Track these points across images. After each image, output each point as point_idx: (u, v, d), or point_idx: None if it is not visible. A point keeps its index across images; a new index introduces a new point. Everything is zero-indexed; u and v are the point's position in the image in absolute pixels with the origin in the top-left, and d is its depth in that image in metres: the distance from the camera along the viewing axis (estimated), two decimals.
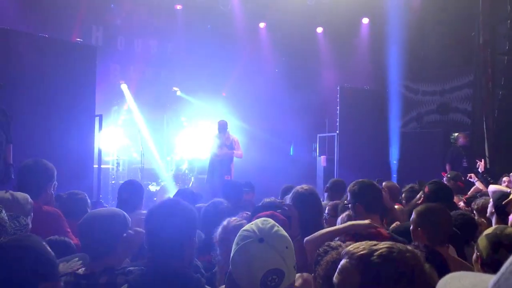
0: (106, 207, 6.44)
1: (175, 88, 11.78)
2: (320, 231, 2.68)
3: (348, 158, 10.21)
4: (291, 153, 12.68)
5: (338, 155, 10.23)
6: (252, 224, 1.70)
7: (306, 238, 2.67)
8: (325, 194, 5.22)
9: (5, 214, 2.36)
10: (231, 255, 1.66)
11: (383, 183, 4.93)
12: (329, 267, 1.93)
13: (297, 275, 2.25)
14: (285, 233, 1.70)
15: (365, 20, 12.17)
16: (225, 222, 2.62)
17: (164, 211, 1.97)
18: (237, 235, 1.68)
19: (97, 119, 7.50)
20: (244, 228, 1.71)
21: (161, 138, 11.32)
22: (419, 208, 3.03)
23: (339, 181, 5.36)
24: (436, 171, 8.83)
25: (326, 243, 2.24)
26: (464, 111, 11.08)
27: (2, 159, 5.17)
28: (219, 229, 2.58)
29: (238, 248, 1.64)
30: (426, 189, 3.86)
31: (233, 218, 2.75)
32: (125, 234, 2.36)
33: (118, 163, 10.22)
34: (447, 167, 8.95)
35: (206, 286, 1.97)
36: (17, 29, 7.10)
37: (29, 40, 6.74)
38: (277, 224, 1.71)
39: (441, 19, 10.71)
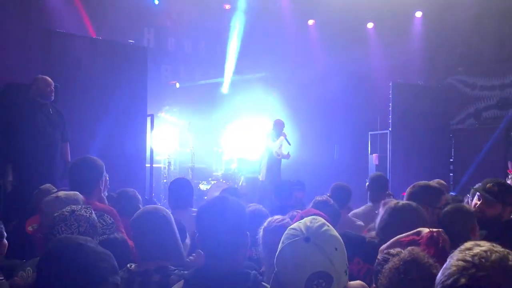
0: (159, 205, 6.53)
1: (224, 91, 11.92)
2: (393, 239, 2.49)
3: (401, 156, 9.89)
4: (335, 157, 12.37)
5: (391, 153, 9.94)
6: (300, 222, 1.60)
7: (381, 248, 2.53)
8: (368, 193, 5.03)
9: (94, 215, 2.41)
10: (276, 254, 1.58)
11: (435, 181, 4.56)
12: (392, 275, 1.82)
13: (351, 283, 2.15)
14: (336, 234, 1.59)
15: (418, 14, 11.75)
16: (265, 223, 2.55)
17: (214, 209, 1.92)
18: (284, 234, 1.59)
19: (148, 119, 7.63)
20: (291, 226, 1.62)
21: (210, 137, 11.42)
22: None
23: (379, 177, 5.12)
24: (497, 169, 8.40)
25: (385, 251, 2.11)
26: None
27: (59, 157, 5.40)
28: (261, 229, 2.51)
29: (283, 247, 1.55)
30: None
31: (276, 216, 2.69)
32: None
33: (169, 163, 10.38)
34: (510, 165, 8.48)
35: (263, 283, 1.89)
36: (72, 32, 7.36)
37: (84, 42, 6.98)
38: (327, 223, 1.60)
39: (498, 10, 10.16)
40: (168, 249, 2.39)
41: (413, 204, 2.90)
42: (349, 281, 1.97)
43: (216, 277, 1.78)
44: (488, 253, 1.18)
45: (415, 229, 2.61)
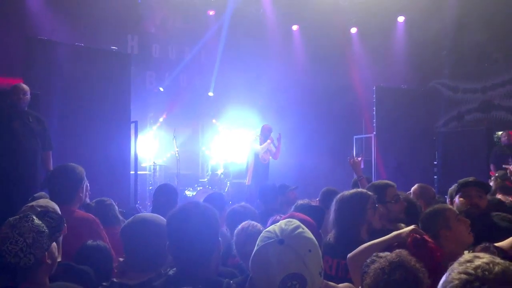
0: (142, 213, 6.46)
1: (210, 94, 11.93)
2: (363, 245, 2.52)
3: (386, 159, 9.97)
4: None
5: (375, 157, 10.01)
6: (275, 225, 1.60)
7: (348, 255, 2.53)
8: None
9: (38, 220, 2.31)
10: (251, 257, 1.58)
11: (413, 187, 4.43)
12: (377, 275, 1.83)
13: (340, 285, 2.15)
14: (311, 236, 1.59)
15: (401, 18, 11.90)
16: (239, 227, 2.56)
17: (184, 215, 1.89)
18: (259, 236, 1.60)
19: (132, 126, 7.59)
20: (266, 229, 1.62)
21: (196, 143, 11.40)
22: None
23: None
24: (479, 171, 8.49)
25: (374, 254, 2.12)
26: (508, 108, 10.63)
27: (40, 166, 5.32)
28: (234, 235, 2.52)
29: (257, 250, 1.55)
30: None
31: (246, 222, 2.71)
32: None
33: (155, 169, 10.33)
34: (492, 167, 8.59)
35: None
36: (55, 39, 7.30)
37: (66, 49, 6.91)
38: (302, 225, 1.60)
39: (479, 14, 10.32)
40: (164, 260, 2.25)
41: (350, 192, 3.07)
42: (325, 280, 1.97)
43: (187, 286, 1.76)
44: (491, 265, 1.16)
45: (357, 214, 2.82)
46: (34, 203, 2.80)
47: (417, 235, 2.36)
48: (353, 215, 2.94)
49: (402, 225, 3.28)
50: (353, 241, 2.74)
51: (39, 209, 2.48)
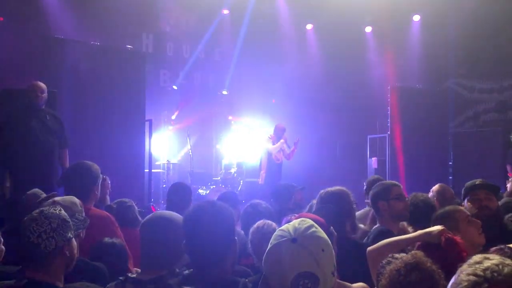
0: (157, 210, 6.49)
1: (224, 92, 11.96)
2: (384, 240, 2.49)
3: (400, 159, 9.89)
4: (337, 153, 12.36)
5: (389, 157, 9.94)
6: (289, 224, 1.61)
7: (369, 248, 2.51)
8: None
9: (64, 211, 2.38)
10: (264, 255, 1.58)
11: (434, 186, 4.42)
12: (393, 276, 1.82)
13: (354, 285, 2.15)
14: (324, 235, 1.58)
15: (416, 17, 11.79)
16: (254, 226, 2.56)
17: (200, 214, 1.90)
18: (273, 235, 1.60)
19: (147, 124, 7.64)
20: (280, 228, 1.63)
21: (210, 141, 11.44)
22: None
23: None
24: (496, 173, 8.39)
25: (389, 255, 2.10)
26: None
27: (57, 163, 5.40)
28: (249, 234, 2.53)
29: (270, 248, 1.55)
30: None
31: (262, 221, 2.71)
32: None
33: (168, 168, 10.38)
34: (508, 168, 8.49)
35: None
36: (71, 37, 7.39)
37: (82, 48, 7.01)
38: (316, 225, 1.60)
39: (495, 12, 10.18)
40: (178, 258, 2.26)
41: (334, 188, 3.09)
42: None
43: (203, 285, 1.76)
44: (500, 267, 1.14)
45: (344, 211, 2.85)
46: (58, 199, 2.84)
47: (449, 235, 2.36)
48: (340, 211, 2.94)
49: (405, 224, 3.29)
50: (341, 238, 2.74)
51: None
